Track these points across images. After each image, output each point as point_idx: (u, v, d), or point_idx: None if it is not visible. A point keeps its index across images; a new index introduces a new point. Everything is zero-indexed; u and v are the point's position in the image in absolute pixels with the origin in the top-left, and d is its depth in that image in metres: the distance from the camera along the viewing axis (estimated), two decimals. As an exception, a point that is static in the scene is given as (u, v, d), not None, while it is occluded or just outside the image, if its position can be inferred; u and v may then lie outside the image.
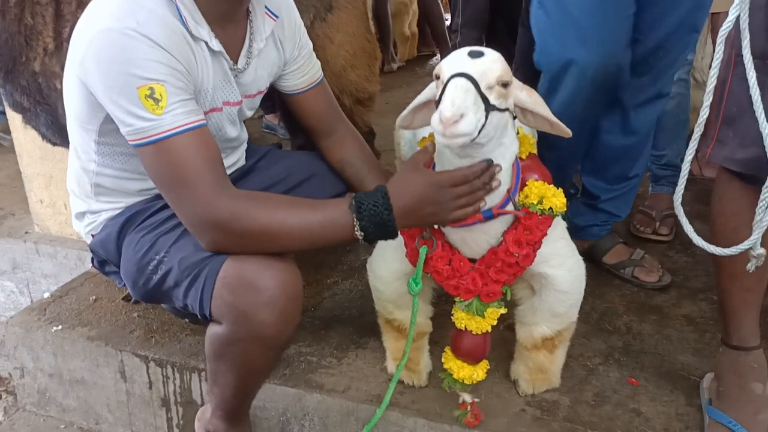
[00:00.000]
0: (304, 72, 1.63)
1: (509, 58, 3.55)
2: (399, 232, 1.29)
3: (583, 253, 2.02)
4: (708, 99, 1.19)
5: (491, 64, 1.17)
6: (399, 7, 5.35)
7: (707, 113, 1.20)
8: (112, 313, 2.02)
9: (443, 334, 1.69)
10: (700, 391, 1.54)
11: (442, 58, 5.48)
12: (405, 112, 1.37)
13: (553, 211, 1.30)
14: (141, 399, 1.88)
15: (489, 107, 1.15)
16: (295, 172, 1.73)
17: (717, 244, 1.26)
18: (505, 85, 1.18)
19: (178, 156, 1.25)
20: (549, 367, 1.55)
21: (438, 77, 1.20)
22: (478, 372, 1.43)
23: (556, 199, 1.30)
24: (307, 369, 1.72)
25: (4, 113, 2.98)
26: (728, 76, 1.23)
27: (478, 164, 1.22)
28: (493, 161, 1.23)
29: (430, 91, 1.31)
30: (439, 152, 1.31)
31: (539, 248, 1.34)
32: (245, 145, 1.73)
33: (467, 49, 1.20)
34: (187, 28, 1.31)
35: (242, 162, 1.72)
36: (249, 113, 1.61)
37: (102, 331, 1.94)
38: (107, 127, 1.36)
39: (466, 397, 1.46)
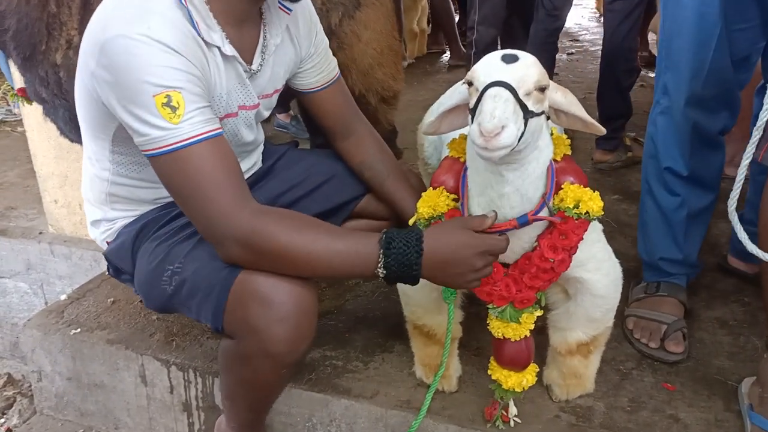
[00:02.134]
0: (320, 70, 1.58)
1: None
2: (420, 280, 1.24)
3: (754, 277, 1.89)
4: None
5: (527, 69, 1.12)
6: (407, 3, 5.29)
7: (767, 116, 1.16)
8: (131, 316, 1.98)
9: (471, 337, 1.66)
10: (739, 397, 1.50)
11: (452, 55, 5.43)
12: (431, 119, 1.33)
13: (589, 215, 1.25)
14: (162, 403, 1.84)
15: (527, 114, 1.10)
16: (313, 173, 1.69)
17: (766, 251, 1.22)
18: (542, 89, 1.13)
19: (195, 166, 1.19)
20: (583, 373, 1.51)
21: (471, 84, 1.15)
22: (527, 377, 1.39)
23: (592, 202, 1.25)
24: (333, 373, 1.68)
25: None
26: None
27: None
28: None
29: (458, 95, 1.26)
30: (472, 158, 1.26)
31: (575, 253, 1.30)
32: (261, 147, 1.69)
33: (500, 53, 1.15)
34: (198, 34, 1.25)
35: (259, 164, 1.68)
36: (266, 113, 1.56)
37: (121, 334, 1.90)
38: (121, 136, 1.32)
39: (512, 409, 1.43)
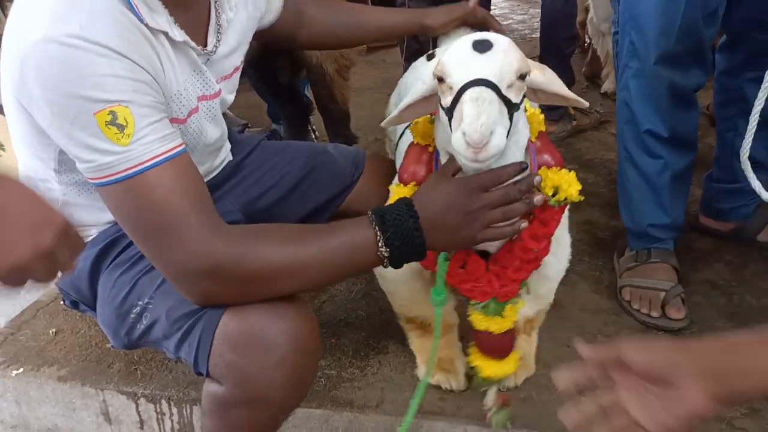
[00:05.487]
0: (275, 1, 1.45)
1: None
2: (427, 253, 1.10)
3: (729, 234, 1.93)
4: None
5: (506, 56, 0.98)
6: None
7: None
8: (81, 347, 1.74)
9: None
10: None
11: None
12: (394, 114, 1.16)
13: (568, 200, 1.15)
14: (131, 441, 1.63)
15: (512, 108, 0.98)
16: (289, 171, 1.52)
17: None
18: (523, 77, 1.01)
19: (155, 195, 1.00)
20: (528, 352, 1.47)
21: (441, 80, 1.00)
22: (509, 365, 1.30)
23: (572, 188, 1.14)
24: (329, 385, 1.53)
25: None
26: None
27: (510, 165, 1.04)
28: (526, 165, 1.06)
29: (424, 88, 1.10)
30: (445, 147, 1.11)
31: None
32: (228, 144, 1.48)
33: (469, 40, 1.00)
34: (140, 20, 1.04)
35: (229, 158, 1.49)
36: (230, 98, 1.35)
37: (74, 368, 1.66)
38: (67, 157, 1.08)
39: (490, 397, 1.33)
